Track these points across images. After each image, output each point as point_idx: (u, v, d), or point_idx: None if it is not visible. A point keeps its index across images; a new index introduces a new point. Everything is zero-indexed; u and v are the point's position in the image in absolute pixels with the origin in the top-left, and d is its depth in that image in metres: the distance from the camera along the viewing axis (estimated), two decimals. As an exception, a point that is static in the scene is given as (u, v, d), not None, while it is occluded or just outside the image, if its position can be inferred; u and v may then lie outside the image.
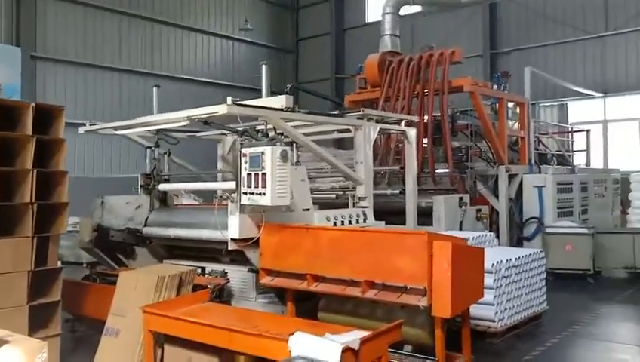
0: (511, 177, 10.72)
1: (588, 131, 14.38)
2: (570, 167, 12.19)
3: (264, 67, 6.71)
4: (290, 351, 3.83)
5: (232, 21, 22.41)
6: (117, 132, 7.40)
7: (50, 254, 5.76)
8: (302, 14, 24.62)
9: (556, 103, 16.11)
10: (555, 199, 10.71)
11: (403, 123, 8.09)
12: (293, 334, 4.20)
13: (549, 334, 6.54)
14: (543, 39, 17.64)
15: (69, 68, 17.57)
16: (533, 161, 11.42)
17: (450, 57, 9.97)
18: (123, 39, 19.09)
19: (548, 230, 9.77)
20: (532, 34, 17.85)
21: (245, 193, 5.59)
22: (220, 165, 9.26)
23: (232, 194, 5.84)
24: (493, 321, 6.08)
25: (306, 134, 6.92)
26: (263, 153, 5.38)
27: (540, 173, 11.33)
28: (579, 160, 14.15)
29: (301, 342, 3.83)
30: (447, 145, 9.83)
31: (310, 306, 6.11)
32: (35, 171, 5.54)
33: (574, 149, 14.29)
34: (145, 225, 7.81)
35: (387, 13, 11.42)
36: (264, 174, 5.38)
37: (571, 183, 11.14)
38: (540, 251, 7.06)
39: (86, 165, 17.17)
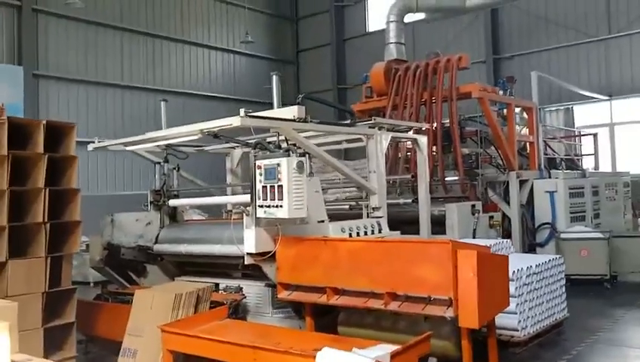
0: (521, 183, 10.61)
1: (595, 135, 14.28)
2: (580, 171, 12.07)
3: (275, 77, 6.63)
4: (318, 368, 3.72)
5: (232, 34, 22.42)
6: (127, 148, 7.31)
7: (64, 274, 5.68)
8: (302, 25, 24.65)
9: (562, 108, 16.07)
10: (567, 204, 10.58)
11: (412, 131, 8.02)
12: (320, 350, 4.11)
13: (572, 342, 6.41)
14: (545, 43, 17.60)
15: (71, 85, 17.54)
16: (543, 166, 11.32)
17: (458, 63, 9.90)
18: (124, 55, 19.08)
19: (563, 235, 9.65)
20: (534, 39, 17.81)
21: (261, 206, 5.49)
22: (228, 179, 9.18)
23: (247, 208, 5.73)
24: (517, 330, 5.94)
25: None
26: (278, 165, 5.29)
27: (549, 178, 11.21)
28: (587, 164, 14.05)
29: (329, 358, 3.72)
30: (458, 152, 9.73)
31: (329, 320, 6.00)
32: (47, 190, 5.46)
33: (582, 153, 14.19)
34: (156, 242, 7.72)
35: (391, 22, 11.39)
36: (280, 186, 5.29)
37: (583, 187, 11.03)
38: (560, 257, 6.94)
39: (92, 183, 17.10)
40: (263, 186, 5.46)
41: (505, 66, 17.95)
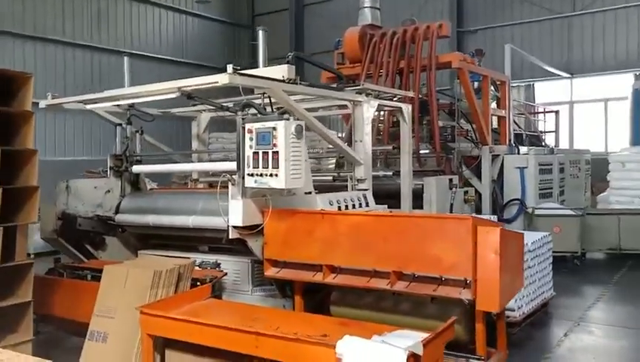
0: (492, 158, 10.44)
1: (557, 112, 14.35)
2: (549, 148, 12.05)
3: (261, 32, 5.99)
4: (340, 359, 3.26)
5: (184, -6, 21.22)
6: (87, 106, 6.51)
7: (19, 247, 4.97)
8: (258, -12, 23.63)
9: (522, 84, 16.05)
10: (537, 180, 10.50)
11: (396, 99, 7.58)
12: (327, 336, 3.66)
13: (561, 321, 6.26)
14: (509, 18, 17.45)
15: (7, 40, 16.02)
16: (513, 142, 11.20)
17: (438, 31, 9.48)
18: (66, 9, 17.62)
19: (537, 212, 9.54)
20: (499, 13, 17.64)
21: (251, 175, 4.92)
22: (194, 145, 8.48)
23: (233, 176, 5.15)
24: (513, 310, 5.68)
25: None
26: (274, 128, 4.71)
27: (518, 153, 11.11)
28: (548, 141, 14.11)
29: (353, 347, 3.25)
30: (435, 124, 9.39)
31: (318, 299, 5.56)
32: (0, 150, 4.69)
33: (543, 130, 14.24)
34: (117, 212, 7.01)
35: (367, -16, 10.81)
36: (276, 153, 4.72)
37: (551, 164, 10.99)
38: (549, 234, 6.74)
39: (40, 146, 15.78)
40: (254, 153, 4.88)
41: (468, 39, 17.71)
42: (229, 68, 4.89)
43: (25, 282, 4.95)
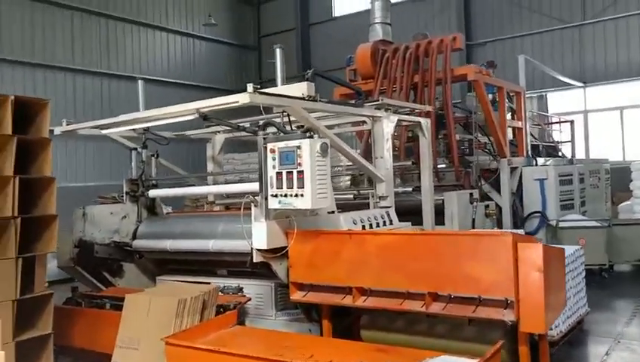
0: (511, 171, 10.23)
1: (572, 122, 14.14)
2: (567, 158, 11.82)
3: (278, 50, 5.91)
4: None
5: (191, 17, 21.29)
6: (103, 131, 6.40)
7: (38, 278, 4.82)
8: (264, 10, 23.67)
9: (535, 95, 15.85)
10: (557, 192, 10.27)
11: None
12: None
13: (599, 338, 6.00)
14: (518, 30, 17.36)
15: (17, 68, 16.07)
16: (530, 153, 10.99)
17: (452, 44, 9.36)
18: (76, 37, 17.70)
19: (561, 224, 9.30)
20: (507, 25, 17.55)
21: (274, 195, 4.76)
22: (209, 167, 8.34)
23: (256, 198, 4.99)
24: (550, 329, 5.44)
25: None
26: (298, 147, 4.56)
27: (536, 165, 10.90)
28: (564, 151, 13.88)
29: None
30: (452, 138, 9.21)
31: (347, 323, 5.35)
32: (17, 178, 4.57)
33: (560, 140, 14.02)
34: (134, 238, 6.88)
35: (376, 0, 10.72)
36: (301, 172, 4.57)
37: (571, 175, 10.74)
38: (580, 248, 6.52)
39: (56, 173, 15.76)
40: (278, 173, 4.73)
41: (477, 53, 17.61)
42: (249, 87, 4.76)
43: (45, 313, 4.80)
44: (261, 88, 4.81)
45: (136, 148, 7.15)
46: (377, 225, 5.99)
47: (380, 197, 6.50)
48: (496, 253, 3.98)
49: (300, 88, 5.41)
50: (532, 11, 17.13)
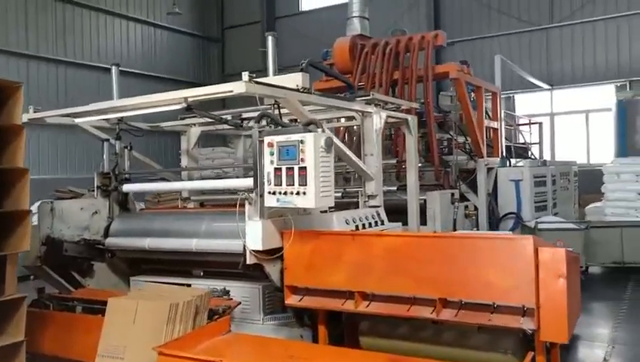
0: (487, 171, 10.18)
1: (540, 124, 14.29)
2: (541, 160, 11.89)
3: (270, 38, 5.56)
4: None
5: (152, 6, 20.57)
6: (76, 120, 5.90)
7: (9, 279, 4.34)
8: (228, 0, 23.10)
9: (503, 96, 15.95)
10: (532, 193, 10.29)
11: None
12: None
13: (592, 343, 5.93)
14: (487, 31, 17.48)
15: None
16: (504, 154, 10.99)
17: (434, 41, 9.20)
18: (30, 22, 16.78)
19: (540, 226, 9.28)
20: (476, 25, 17.63)
21: (272, 193, 4.44)
22: (184, 161, 7.90)
23: (250, 195, 4.65)
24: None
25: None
26: (301, 142, 4.25)
27: (509, 165, 10.90)
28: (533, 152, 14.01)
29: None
30: (433, 137, 9.05)
31: (342, 328, 5.08)
32: (-13, 169, 4.09)
33: (530, 142, 14.14)
34: (106, 235, 6.42)
35: (354, -7, 10.49)
36: (303, 168, 4.26)
37: (545, 176, 10.80)
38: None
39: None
40: (276, 168, 4.41)
41: (446, 53, 17.60)
42: (245, 76, 4.42)
43: (16, 319, 4.33)
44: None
45: (108, 140, 6.68)
46: (370, 225, 5.75)
47: (369, 196, 6.26)
48: (514, 257, 3.78)
49: (294, 79, 5.10)
50: (501, 13, 17.27)
